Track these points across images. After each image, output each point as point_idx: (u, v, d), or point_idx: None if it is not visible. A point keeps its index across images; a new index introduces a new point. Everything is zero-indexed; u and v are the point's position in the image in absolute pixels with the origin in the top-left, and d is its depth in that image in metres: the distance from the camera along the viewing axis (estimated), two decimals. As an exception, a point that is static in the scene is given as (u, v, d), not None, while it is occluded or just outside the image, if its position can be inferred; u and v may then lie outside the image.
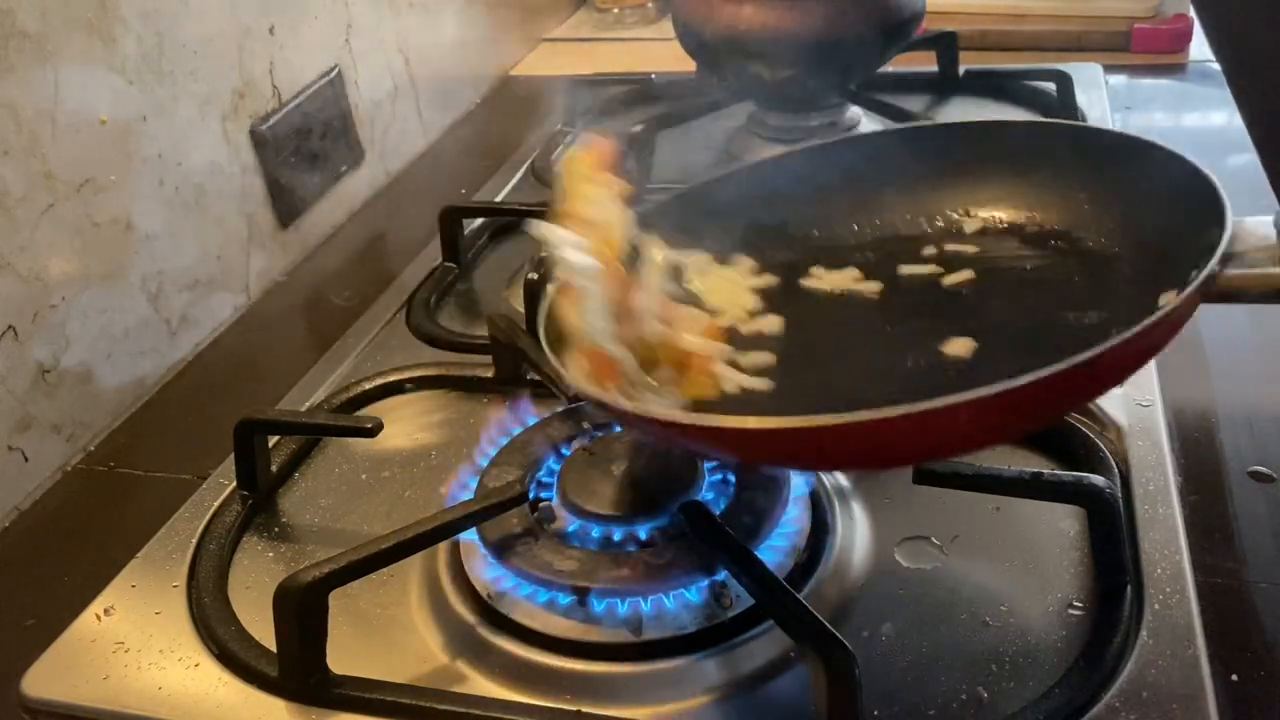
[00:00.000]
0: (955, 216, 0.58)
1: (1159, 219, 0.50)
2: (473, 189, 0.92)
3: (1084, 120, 0.90)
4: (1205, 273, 0.42)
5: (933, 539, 0.53)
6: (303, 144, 0.87)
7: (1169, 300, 0.44)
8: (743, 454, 0.47)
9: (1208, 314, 0.67)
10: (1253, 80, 0.55)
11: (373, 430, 0.57)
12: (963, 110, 0.97)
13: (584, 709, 0.46)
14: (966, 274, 0.55)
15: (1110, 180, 0.53)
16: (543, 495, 0.53)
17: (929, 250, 0.57)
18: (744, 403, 0.49)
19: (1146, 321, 0.40)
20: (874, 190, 0.59)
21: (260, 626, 0.51)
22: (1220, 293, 0.44)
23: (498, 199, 0.90)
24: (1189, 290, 0.42)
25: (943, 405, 0.37)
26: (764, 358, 0.52)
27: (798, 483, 0.53)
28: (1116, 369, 0.43)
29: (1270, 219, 0.45)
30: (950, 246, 0.57)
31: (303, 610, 0.46)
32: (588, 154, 0.52)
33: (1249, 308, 0.68)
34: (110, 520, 0.63)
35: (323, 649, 0.47)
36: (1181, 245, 0.46)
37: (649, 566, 0.48)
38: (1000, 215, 0.57)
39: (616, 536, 0.51)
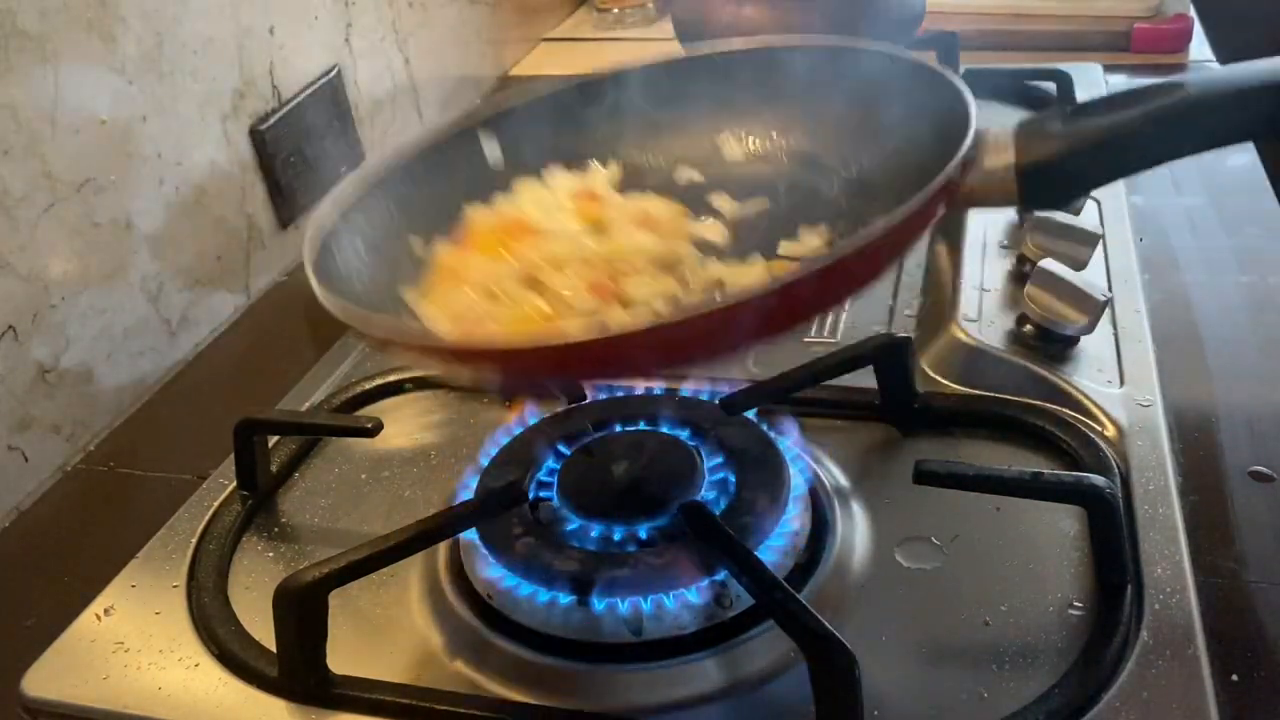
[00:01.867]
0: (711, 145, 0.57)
1: (909, 132, 0.49)
2: (473, 189, 0.92)
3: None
4: (945, 174, 0.41)
5: (933, 539, 0.52)
6: (303, 144, 0.87)
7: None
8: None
9: (1208, 314, 0.68)
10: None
11: (373, 430, 0.57)
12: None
13: (584, 709, 0.46)
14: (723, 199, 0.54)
15: (860, 99, 0.52)
16: (543, 495, 0.53)
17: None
18: None
19: (892, 216, 0.40)
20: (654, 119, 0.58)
21: (260, 626, 0.51)
22: (961, 199, 0.44)
23: (498, 199, 0.90)
24: (931, 189, 0.41)
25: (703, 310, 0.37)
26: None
27: (798, 483, 0.53)
28: (865, 267, 0.42)
29: (1010, 128, 0.44)
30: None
31: (303, 610, 0.46)
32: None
33: (1249, 308, 0.68)
34: (110, 520, 0.63)
35: (323, 649, 0.47)
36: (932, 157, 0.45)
37: (649, 566, 0.48)
38: (753, 140, 0.56)
39: (616, 536, 0.51)
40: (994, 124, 0.45)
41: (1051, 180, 0.44)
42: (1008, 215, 0.75)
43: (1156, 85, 0.43)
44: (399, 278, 0.50)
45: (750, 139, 0.57)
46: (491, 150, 0.56)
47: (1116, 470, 0.54)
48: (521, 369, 0.43)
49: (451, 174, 0.55)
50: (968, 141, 0.42)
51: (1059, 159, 0.43)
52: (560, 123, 0.57)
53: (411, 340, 0.44)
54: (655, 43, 1.26)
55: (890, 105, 0.50)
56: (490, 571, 0.50)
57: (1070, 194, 0.46)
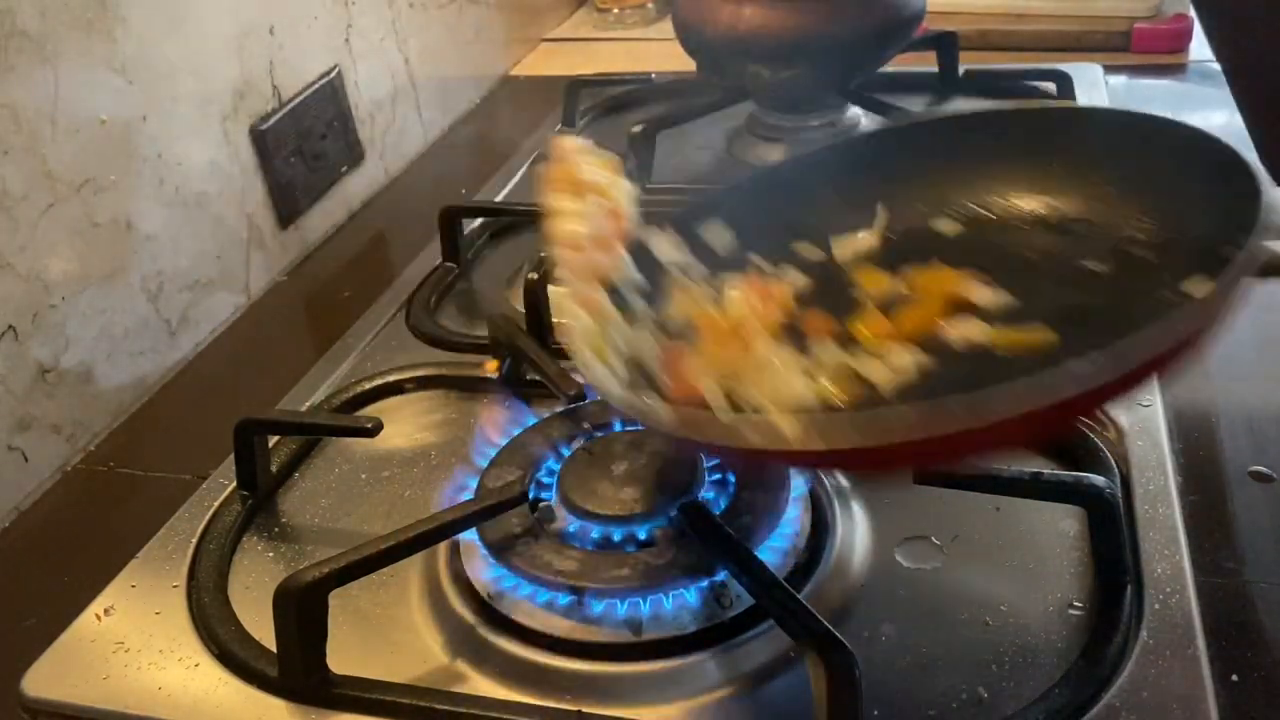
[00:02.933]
0: (975, 209, 0.56)
1: (1182, 196, 0.48)
2: (473, 189, 0.92)
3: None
4: (1248, 249, 0.39)
5: (933, 539, 0.53)
6: (303, 144, 0.87)
7: (1200, 287, 0.42)
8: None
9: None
10: (1252, 80, 0.55)
11: (373, 430, 0.57)
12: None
13: (584, 709, 0.46)
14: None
15: (1127, 161, 0.51)
16: (543, 495, 0.53)
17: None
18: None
19: (1196, 307, 0.39)
20: (889, 188, 0.57)
21: (260, 626, 0.51)
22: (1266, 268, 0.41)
23: (497, 199, 0.90)
24: (1233, 271, 0.39)
25: (1011, 411, 0.36)
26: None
27: (798, 483, 0.53)
28: (1163, 362, 0.41)
29: None
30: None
31: (303, 610, 0.46)
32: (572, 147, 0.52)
33: (1249, 308, 0.68)
34: (110, 520, 0.63)
35: (323, 649, 0.47)
36: (1211, 223, 0.45)
37: (649, 566, 0.48)
38: (1022, 204, 0.55)
39: (616, 536, 0.51)
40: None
41: None
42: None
43: None
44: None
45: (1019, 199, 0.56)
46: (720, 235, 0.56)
47: (1116, 470, 0.54)
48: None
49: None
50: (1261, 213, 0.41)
51: None
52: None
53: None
54: (655, 43, 1.26)
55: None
56: (490, 571, 0.50)
57: None
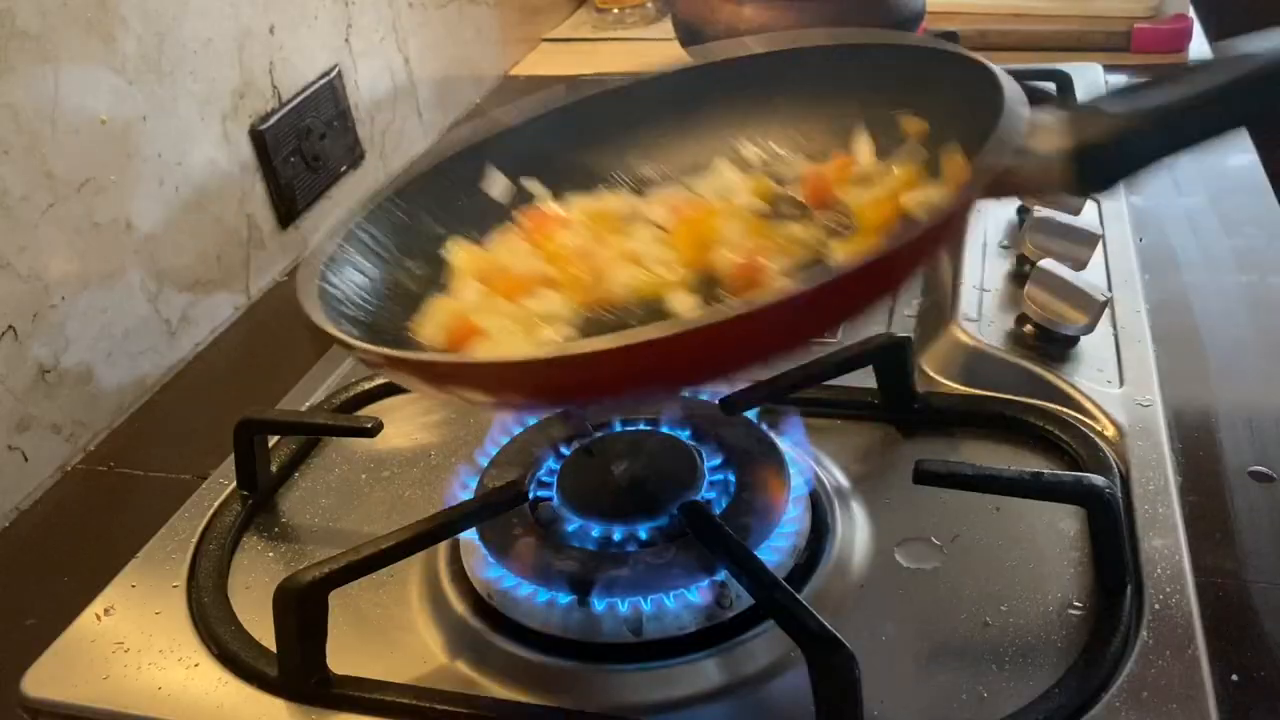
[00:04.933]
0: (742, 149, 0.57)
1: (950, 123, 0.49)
2: (473, 189, 0.92)
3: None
4: (993, 161, 0.41)
5: (933, 539, 0.52)
6: (303, 144, 0.87)
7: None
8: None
9: (1208, 314, 0.68)
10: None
11: (373, 430, 0.57)
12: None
13: (584, 709, 0.46)
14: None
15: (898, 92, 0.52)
16: (543, 495, 0.53)
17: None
18: None
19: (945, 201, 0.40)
20: (664, 131, 0.58)
21: (260, 626, 0.51)
22: (1010, 186, 0.44)
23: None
24: (982, 175, 0.41)
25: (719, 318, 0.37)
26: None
27: (798, 483, 0.53)
28: (913, 256, 0.43)
29: (1060, 112, 0.44)
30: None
31: (303, 610, 0.46)
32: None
33: (1249, 308, 0.68)
34: (110, 520, 0.63)
35: (323, 649, 0.47)
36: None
37: (649, 566, 0.48)
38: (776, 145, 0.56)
39: (616, 536, 0.51)
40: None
41: (1106, 161, 0.43)
42: (1008, 215, 0.75)
43: (1217, 60, 0.43)
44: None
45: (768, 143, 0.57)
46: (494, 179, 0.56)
47: (1116, 470, 0.54)
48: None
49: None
50: (1017, 127, 0.42)
51: (1117, 138, 0.43)
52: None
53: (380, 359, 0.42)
54: (655, 43, 1.26)
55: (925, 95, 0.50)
56: (490, 571, 0.50)
57: (1124, 174, 0.45)
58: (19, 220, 0.64)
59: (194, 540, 0.56)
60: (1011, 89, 0.44)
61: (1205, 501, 0.54)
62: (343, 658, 0.48)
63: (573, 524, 0.51)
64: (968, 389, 0.61)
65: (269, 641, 0.48)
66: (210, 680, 0.49)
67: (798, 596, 0.45)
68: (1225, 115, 0.44)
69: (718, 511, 0.51)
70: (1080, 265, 0.66)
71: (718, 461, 0.54)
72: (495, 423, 0.60)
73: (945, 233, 0.43)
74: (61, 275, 0.67)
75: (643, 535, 0.50)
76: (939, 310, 0.66)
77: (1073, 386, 0.59)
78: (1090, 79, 0.96)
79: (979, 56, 0.48)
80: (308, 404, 0.66)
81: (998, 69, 0.46)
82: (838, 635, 0.42)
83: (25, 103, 0.64)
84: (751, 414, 0.58)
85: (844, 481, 0.56)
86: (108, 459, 0.69)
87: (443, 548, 0.53)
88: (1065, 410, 0.58)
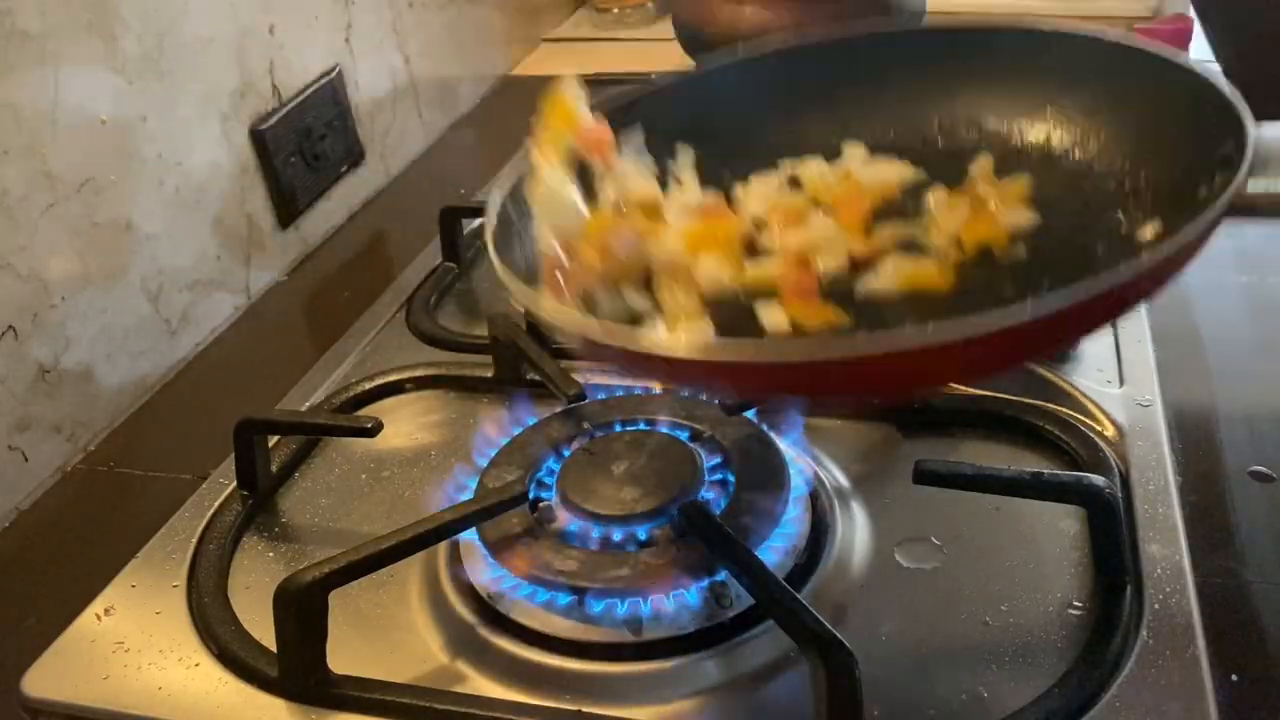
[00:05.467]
0: (959, 131, 0.54)
1: (1163, 131, 0.47)
2: (473, 189, 0.92)
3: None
4: (1235, 184, 0.39)
5: (933, 539, 0.53)
6: (303, 144, 0.87)
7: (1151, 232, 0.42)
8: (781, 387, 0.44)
9: (1208, 314, 0.68)
10: (1252, 80, 0.55)
11: (373, 430, 0.57)
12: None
13: (584, 709, 0.45)
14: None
15: (1112, 93, 0.50)
16: (543, 495, 0.53)
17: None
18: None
19: (1176, 239, 0.37)
20: (871, 98, 0.55)
21: (260, 626, 0.51)
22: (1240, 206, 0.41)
23: (498, 199, 0.90)
24: (1219, 203, 0.38)
25: (978, 330, 0.35)
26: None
27: (798, 483, 0.53)
28: (1143, 289, 0.40)
29: None
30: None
31: (303, 610, 0.46)
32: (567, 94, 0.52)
33: (1249, 308, 0.68)
34: (110, 520, 0.63)
35: (323, 649, 0.47)
36: (1193, 159, 0.44)
37: (649, 566, 0.48)
38: (993, 129, 0.53)
39: (616, 536, 0.51)
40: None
41: None
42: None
43: None
44: None
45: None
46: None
47: (1116, 470, 0.54)
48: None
49: None
50: (1249, 151, 0.40)
51: None
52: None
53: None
54: (655, 43, 1.26)
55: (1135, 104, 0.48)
56: (490, 571, 0.50)
57: None
58: (19, 220, 0.64)
59: (194, 540, 0.56)
60: (1242, 105, 0.42)
61: (1205, 501, 0.54)
62: (343, 658, 0.48)
63: (573, 524, 0.51)
64: (967, 389, 0.61)
65: (269, 641, 0.48)
66: (210, 680, 0.49)
67: (798, 596, 0.45)
68: None
69: (718, 511, 0.51)
70: (1080, 265, 0.66)
71: (718, 461, 0.54)
72: (495, 423, 0.60)
73: (1192, 254, 0.40)
74: (61, 275, 0.67)
75: (642, 535, 0.50)
76: (939, 310, 0.66)
77: (1073, 386, 0.59)
78: (1090, 79, 0.96)
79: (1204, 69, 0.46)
80: (308, 404, 0.66)
81: (1226, 85, 0.44)
82: (838, 635, 0.42)
83: (25, 103, 0.64)
84: (751, 414, 0.58)
85: (844, 481, 0.56)
86: (108, 459, 0.69)
87: (443, 548, 0.53)
88: (1065, 410, 0.58)
